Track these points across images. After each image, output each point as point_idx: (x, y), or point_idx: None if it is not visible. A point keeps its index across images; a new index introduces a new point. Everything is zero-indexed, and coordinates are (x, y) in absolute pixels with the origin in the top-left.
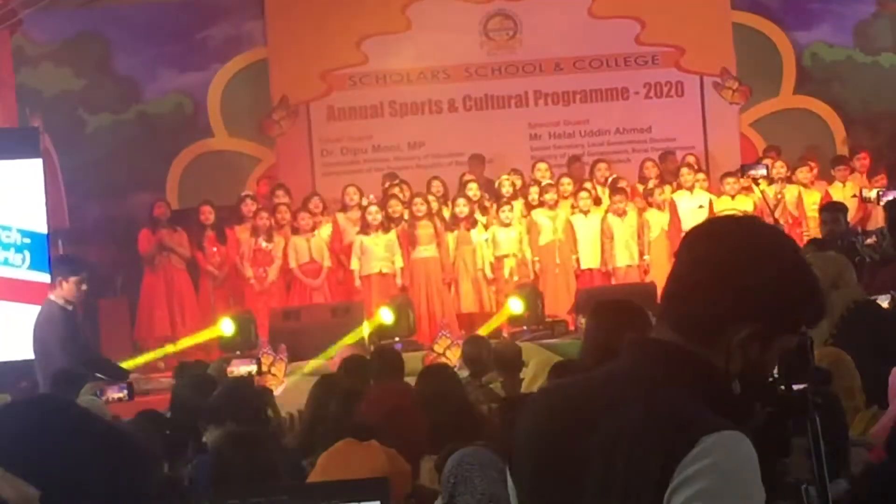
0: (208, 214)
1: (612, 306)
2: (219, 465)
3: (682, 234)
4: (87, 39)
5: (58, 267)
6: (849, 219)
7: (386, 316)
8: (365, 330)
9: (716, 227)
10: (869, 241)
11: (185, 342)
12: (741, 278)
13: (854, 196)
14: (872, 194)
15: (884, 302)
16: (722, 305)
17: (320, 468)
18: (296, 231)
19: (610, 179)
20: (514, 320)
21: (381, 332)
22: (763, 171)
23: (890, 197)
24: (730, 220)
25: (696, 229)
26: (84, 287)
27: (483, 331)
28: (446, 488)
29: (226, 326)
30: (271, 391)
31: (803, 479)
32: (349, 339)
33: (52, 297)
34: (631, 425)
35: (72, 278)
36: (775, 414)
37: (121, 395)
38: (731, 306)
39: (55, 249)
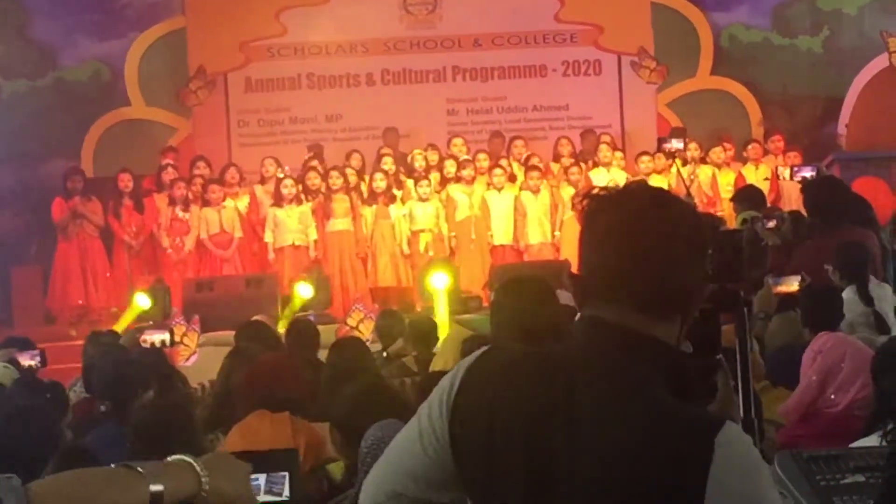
0: (127, 182)
1: (521, 283)
2: (139, 434)
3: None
4: (5, 4)
5: None
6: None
7: (305, 291)
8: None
9: (657, 197)
10: (770, 224)
11: (122, 324)
12: (702, 240)
13: (766, 179)
14: (786, 172)
15: (793, 284)
16: (696, 273)
17: (230, 441)
18: (207, 202)
19: (525, 156)
20: (427, 294)
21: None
22: (679, 145)
23: (805, 174)
24: (650, 189)
25: (636, 201)
26: None
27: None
28: (363, 466)
29: (142, 301)
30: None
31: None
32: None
33: None
34: (622, 429)
35: None
36: (709, 309)
37: (33, 362)
38: (701, 271)
39: None
